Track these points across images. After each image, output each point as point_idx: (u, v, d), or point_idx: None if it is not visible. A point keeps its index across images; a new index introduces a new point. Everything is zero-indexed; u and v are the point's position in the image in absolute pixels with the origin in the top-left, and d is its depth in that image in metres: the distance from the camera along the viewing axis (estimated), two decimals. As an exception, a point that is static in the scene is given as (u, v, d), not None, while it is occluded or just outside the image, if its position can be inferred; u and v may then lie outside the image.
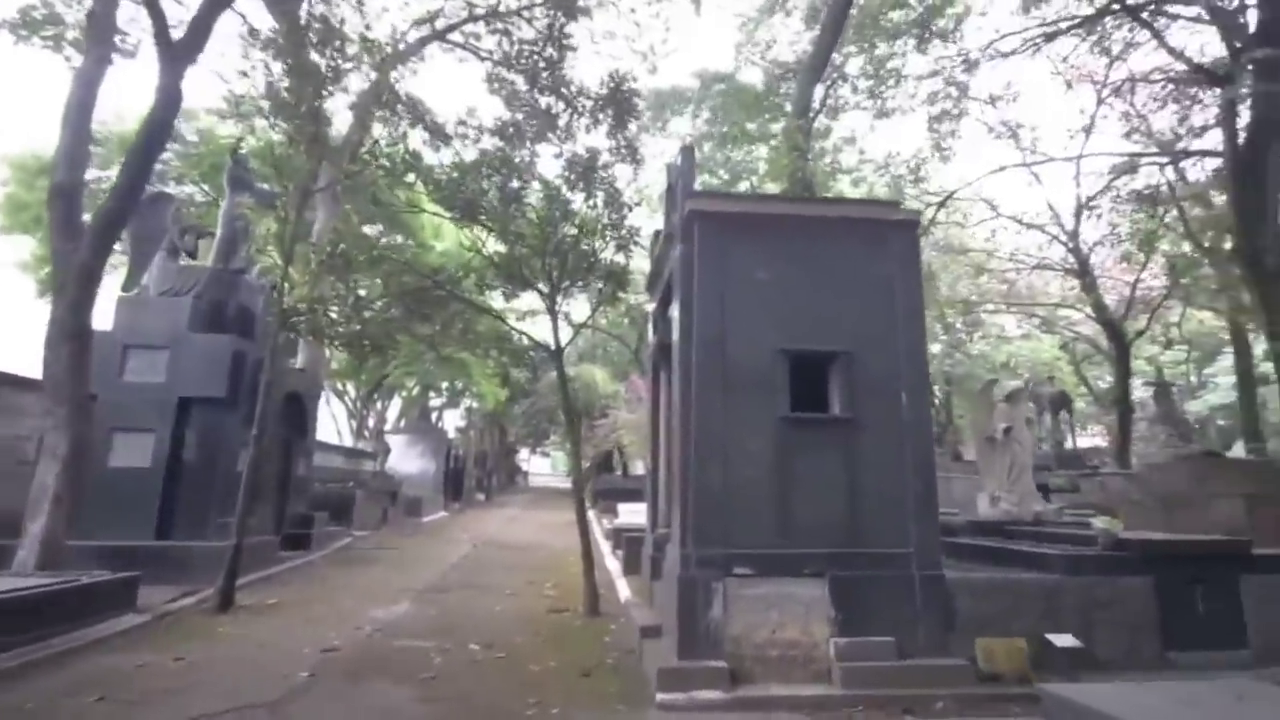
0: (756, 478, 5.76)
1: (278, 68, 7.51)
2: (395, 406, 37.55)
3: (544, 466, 75.60)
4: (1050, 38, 17.01)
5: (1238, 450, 23.33)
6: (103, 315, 8.70)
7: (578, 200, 8.19)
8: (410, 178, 7.57)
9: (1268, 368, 24.72)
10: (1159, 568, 5.88)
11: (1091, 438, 32.94)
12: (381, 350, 8.08)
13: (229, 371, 9.92)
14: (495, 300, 12.21)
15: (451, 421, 43.43)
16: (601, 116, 8.92)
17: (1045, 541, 6.79)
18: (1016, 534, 7.53)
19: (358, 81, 9.45)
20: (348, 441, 32.65)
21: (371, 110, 8.16)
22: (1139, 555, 5.96)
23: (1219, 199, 20.25)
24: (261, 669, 5.53)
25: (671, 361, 6.64)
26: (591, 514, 21.79)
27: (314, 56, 7.40)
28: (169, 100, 7.75)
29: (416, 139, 8.56)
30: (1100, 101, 19.33)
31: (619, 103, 8.63)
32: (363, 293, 8.10)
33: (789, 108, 17.41)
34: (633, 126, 8.99)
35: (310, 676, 5.36)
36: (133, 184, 7.97)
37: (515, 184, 7.73)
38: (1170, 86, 16.54)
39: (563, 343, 9.02)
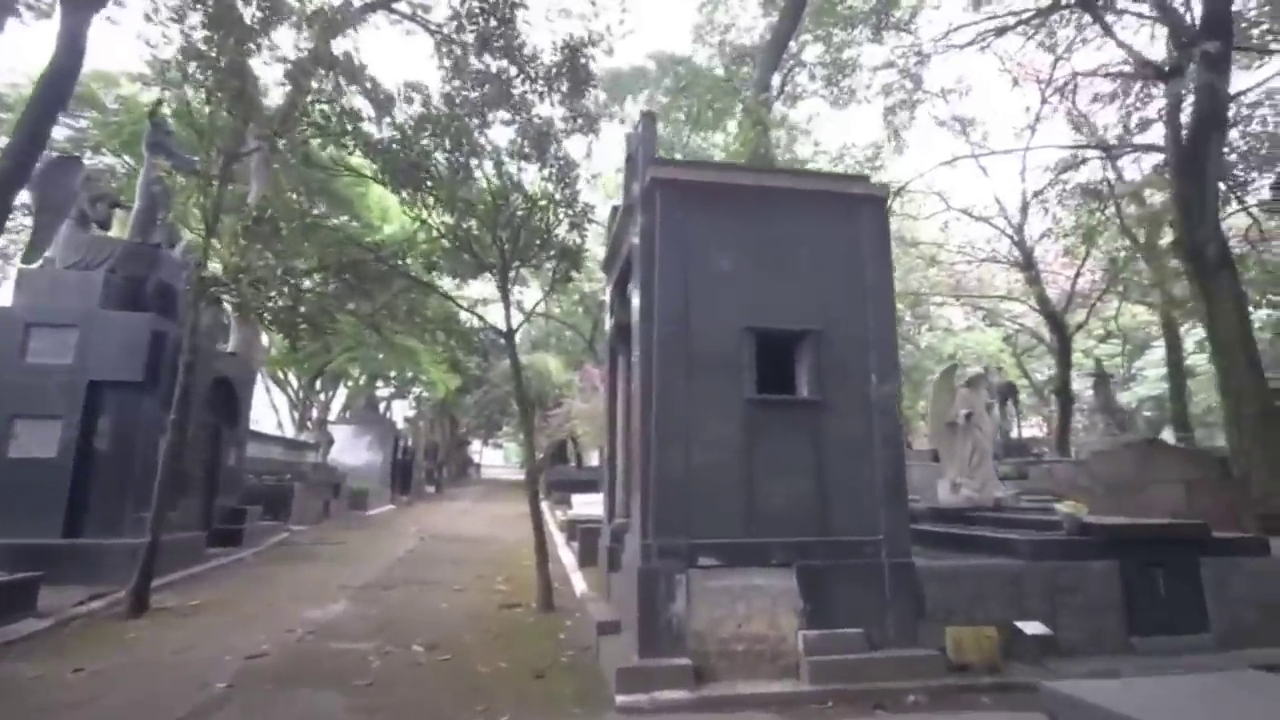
0: (721, 463, 5.45)
1: (195, 18, 6.77)
2: (342, 396, 36.14)
3: (497, 458, 74.50)
4: (1000, 32, 17.20)
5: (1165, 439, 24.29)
6: (1, 290, 7.82)
7: (530, 172, 7.73)
8: (348, 140, 6.92)
9: (1195, 360, 26.04)
10: (1122, 551, 5.82)
11: (1030, 428, 34.06)
12: (318, 330, 7.44)
13: (147, 353, 9.07)
14: (444, 284, 11.59)
15: (401, 412, 42.21)
16: (556, 85, 8.44)
17: (1009, 527, 6.70)
18: (979, 520, 7.44)
19: (291, 43, 8.73)
20: (290, 432, 31.28)
21: (308, 71, 7.47)
22: (1103, 539, 5.89)
23: (1153, 197, 21.06)
24: (173, 679, 4.95)
25: (631, 342, 6.26)
26: (545, 505, 21.33)
27: (238, 3, 6.69)
28: (71, 49, 6.94)
29: (357, 104, 7.87)
30: (1044, 100, 19.81)
31: (574, 70, 8.16)
32: (298, 264, 7.40)
33: (748, 92, 17.17)
34: (589, 97, 8.54)
35: (228, 687, 4.80)
36: (31, 141, 7.13)
37: (463, 152, 7.18)
38: (1115, 84, 16.99)
39: (515, 326, 8.54)
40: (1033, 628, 5.34)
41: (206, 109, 7.35)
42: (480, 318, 9.28)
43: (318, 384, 31.75)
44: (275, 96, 11.93)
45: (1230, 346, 12.16)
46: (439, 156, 7.15)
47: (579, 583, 8.91)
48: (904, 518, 5.58)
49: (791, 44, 19.15)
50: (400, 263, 7.97)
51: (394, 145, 6.86)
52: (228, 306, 8.21)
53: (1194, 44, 11.44)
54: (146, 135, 10.14)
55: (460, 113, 7.16)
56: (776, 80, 18.47)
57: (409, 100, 7.40)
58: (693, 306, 5.66)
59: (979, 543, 6.49)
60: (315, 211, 7.56)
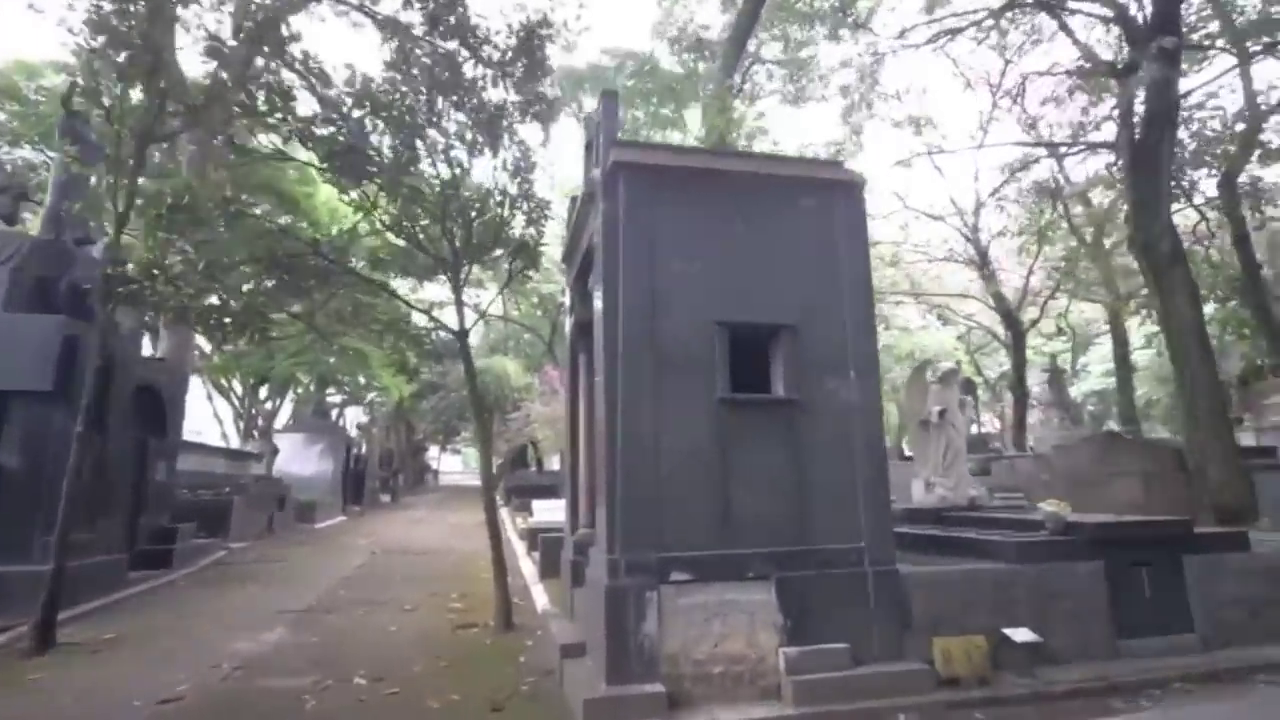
0: (692, 469, 5.04)
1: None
2: (292, 404, 34.62)
3: (455, 464, 72.96)
4: (954, 34, 17.29)
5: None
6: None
7: (484, 166, 7.23)
8: (277, 120, 6.27)
9: (1140, 355, 26.89)
10: (1107, 551, 5.62)
11: (982, 424, 34.73)
12: (249, 331, 6.76)
13: (58, 360, 8.20)
14: (398, 286, 10.87)
15: (355, 419, 40.76)
16: (510, 69, 7.94)
17: (988, 527, 6.46)
18: (955, 520, 7.21)
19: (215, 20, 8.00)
20: (235, 443, 29.80)
21: (237, 57, 6.78)
22: (1088, 539, 5.68)
23: (1098, 198, 21.61)
24: (69, 733, 4.29)
25: (593, 340, 5.81)
26: (504, 512, 20.63)
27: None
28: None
29: (292, 83, 7.18)
30: (994, 105, 20.15)
31: (530, 52, 7.67)
32: (226, 259, 6.69)
33: (710, 86, 16.88)
34: (546, 82, 8.06)
35: (134, 740, 4.18)
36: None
37: (407, 134, 6.60)
38: (1065, 84, 17.28)
39: (469, 325, 7.99)
40: (1023, 635, 5.06)
41: (118, 89, 6.61)
42: (432, 318, 8.66)
43: (263, 391, 30.34)
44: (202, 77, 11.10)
45: (1185, 340, 12.31)
46: (381, 140, 6.58)
47: (540, 596, 8.40)
48: (887, 522, 5.26)
49: (750, 43, 19.01)
50: (343, 260, 7.32)
51: (330, 124, 6.25)
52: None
53: (1150, 40, 11.54)
54: (59, 123, 9.25)
55: (404, 90, 6.59)
56: (736, 80, 18.28)
57: (349, 83, 6.80)
58: (660, 300, 5.24)
59: (960, 545, 6.23)
60: (246, 199, 6.85)
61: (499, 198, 7.76)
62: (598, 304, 5.48)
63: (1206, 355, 12.31)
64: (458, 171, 6.91)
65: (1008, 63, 19.71)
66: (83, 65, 6.91)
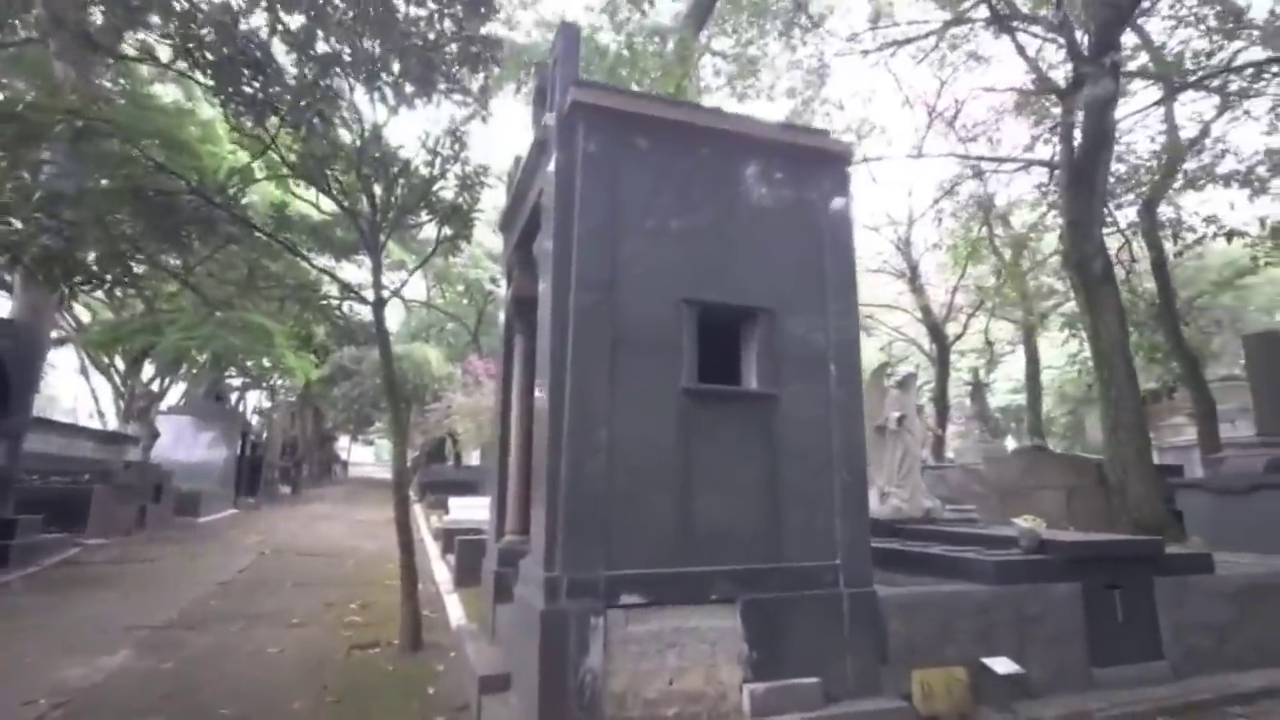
0: (649, 470, 4.25)
1: None
2: (185, 384, 31.49)
3: (367, 456, 69.59)
4: (902, 44, 17.32)
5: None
6: None
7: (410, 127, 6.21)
8: (141, 16, 5.04)
9: (1045, 374, 28.24)
10: (1083, 572, 5.22)
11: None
12: (103, 284, 5.46)
13: None
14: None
15: (258, 404, 37.78)
16: (448, 6, 6.94)
17: (955, 543, 5.99)
18: (911, 534, 6.74)
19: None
20: (114, 424, 26.78)
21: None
22: (1063, 558, 5.26)
23: (1020, 220, 22.42)
24: None
25: (537, 316, 4.93)
26: (418, 509, 19.23)
27: None
28: None
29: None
30: (931, 120, 20.51)
31: (473, -12, 6.70)
32: (86, 192, 5.34)
33: (657, 73, 16.17)
34: (490, 24, 7.11)
35: None
36: None
37: (315, 58, 5.51)
38: (1005, 101, 17.68)
39: (386, 296, 6.91)
40: (1003, 665, 4.55)
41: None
42: (344, 284, 7.50)
43: (150, 369, 27.43)
44: None
45: (1111, 358, 12.56)
46: (281, 58, 5.46)
47: (455, 608, 7.40)
48: (864, 536, 4.64)
49: (702, 35, 18.48)
50: (233, 208, 6.07)
51: (210, 21, 5.07)
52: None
53: (1100, 55, 11.66)
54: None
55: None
56: (699, 43, 17.70)
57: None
58: (620, 270, 4.43)
59: (925, 561, 5.71)
60: (104, 116, 5.45)
61: (429, 157, 6.75)
62: (545, 273, 4.61)
63: (1130, 374, 12.62)
64: (379, 118, 5.87)
65: (943, 84, 20.17)
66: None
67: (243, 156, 7.73)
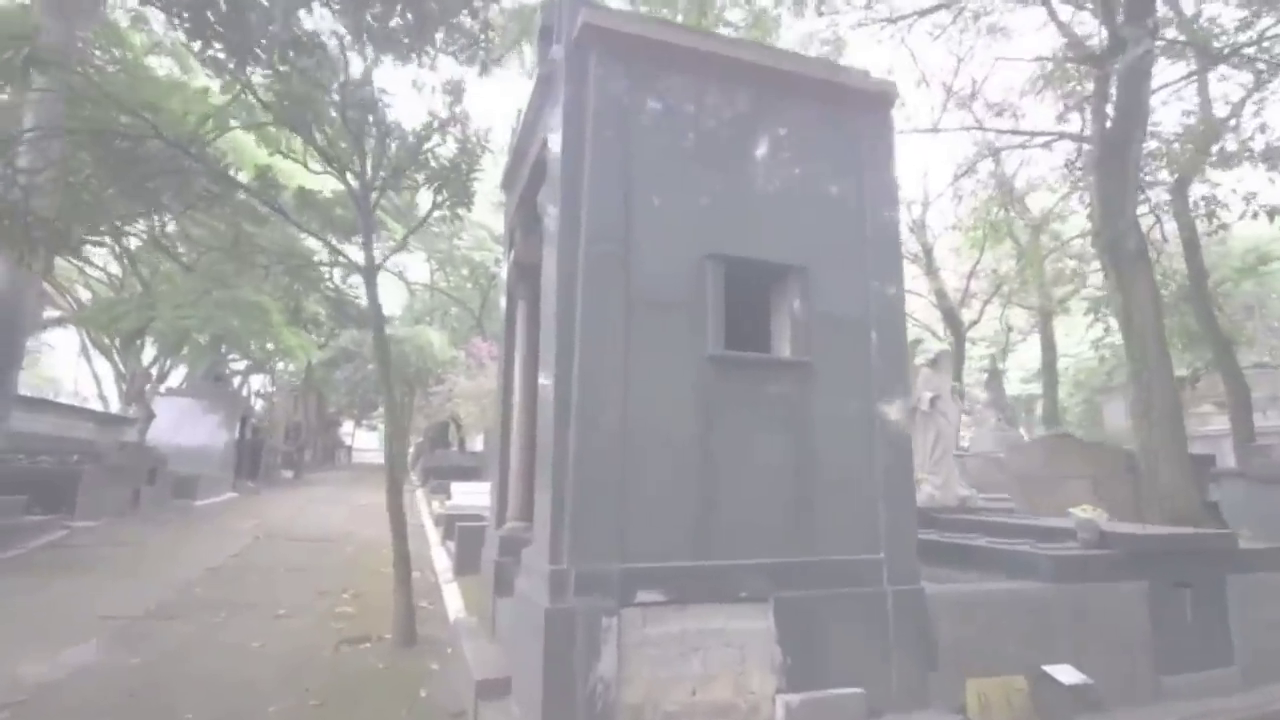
0: (669, 449, 3.73)
1: None
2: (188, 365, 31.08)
3: (371, 441, 69.31)
4: (923, 14, 16.60)
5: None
6: None
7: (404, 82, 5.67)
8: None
9: (1063, 363, 27.62)
10: (1149, 569, 4.68)
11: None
12: (61, 243, 4.93)
13: None
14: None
15: (261, 387, 37.45)
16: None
17: (1003, 535, 5.46)
18: (949, 524, 6.22)
19: None
20: (116, 406, 26.49)
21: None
22: (1127, 553, 4.72)
23: (1036, 203, 21.70)
24: None
25: (541, 280, 4.40)
26: (420, 494, 18.82)
27: None
28: None
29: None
30: (946, 101, 19.78)
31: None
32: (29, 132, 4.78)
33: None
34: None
35: None
36: None
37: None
38: (1035, 74, 16.92)
39: (379, 261, 6.39)
40: (1068, 675, 4.03)
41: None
42: (333, 247, 6.94)
43: (152, 351, 27.06)
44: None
45: (1145, 339, 11.93)
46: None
47: (453, 599, 6.94)
48: (911, 526, 4.12)
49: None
50: (208, 161, 5.51)
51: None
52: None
53: (1142, 17, 10.97)
54: None
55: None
56: None
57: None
58: (636, 221, 3.88)
59: (969, 554, 5.18)
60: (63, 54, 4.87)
61: (426, 118, 6.20)
62: (551, 225, 4.07)
63: (1165, 356, 12.00)
64: (368, 64, 5.30)
65: (960, 61, 19.46)
66: None
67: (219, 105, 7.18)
